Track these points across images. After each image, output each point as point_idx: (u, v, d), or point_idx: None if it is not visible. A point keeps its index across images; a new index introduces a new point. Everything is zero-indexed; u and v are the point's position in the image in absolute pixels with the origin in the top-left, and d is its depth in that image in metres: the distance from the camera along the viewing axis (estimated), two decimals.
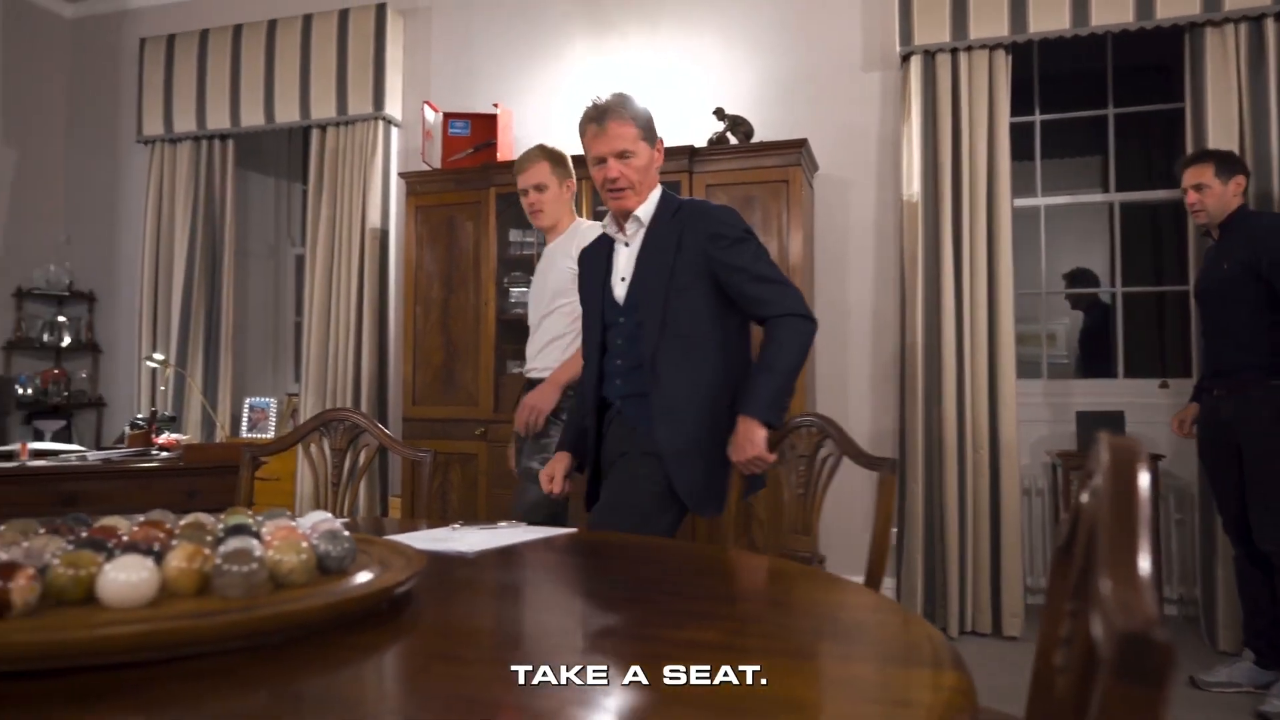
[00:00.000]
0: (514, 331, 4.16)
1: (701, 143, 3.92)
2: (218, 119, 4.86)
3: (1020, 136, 4.11)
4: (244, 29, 4.83)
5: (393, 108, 4.63)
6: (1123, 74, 4.29)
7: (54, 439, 4.78)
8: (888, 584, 3.86)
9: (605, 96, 2.05)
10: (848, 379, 4.00)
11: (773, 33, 4.14)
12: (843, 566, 3.75)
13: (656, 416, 1.96)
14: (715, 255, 1.98)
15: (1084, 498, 0.64)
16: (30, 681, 0.67)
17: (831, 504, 2.35)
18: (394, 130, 4.70)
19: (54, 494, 3.03)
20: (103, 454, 3.29)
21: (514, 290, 4.16)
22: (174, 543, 0.91)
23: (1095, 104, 4.31)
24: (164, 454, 3.32)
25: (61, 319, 5.18)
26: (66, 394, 5.10)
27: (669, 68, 4.24)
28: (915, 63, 3.76)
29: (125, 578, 0.79)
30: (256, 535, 0.99)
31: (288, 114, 4.74)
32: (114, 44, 5.35)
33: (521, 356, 4.20)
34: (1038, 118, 4.27)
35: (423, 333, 4.19)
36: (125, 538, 0.94)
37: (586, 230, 2.75)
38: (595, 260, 2.19)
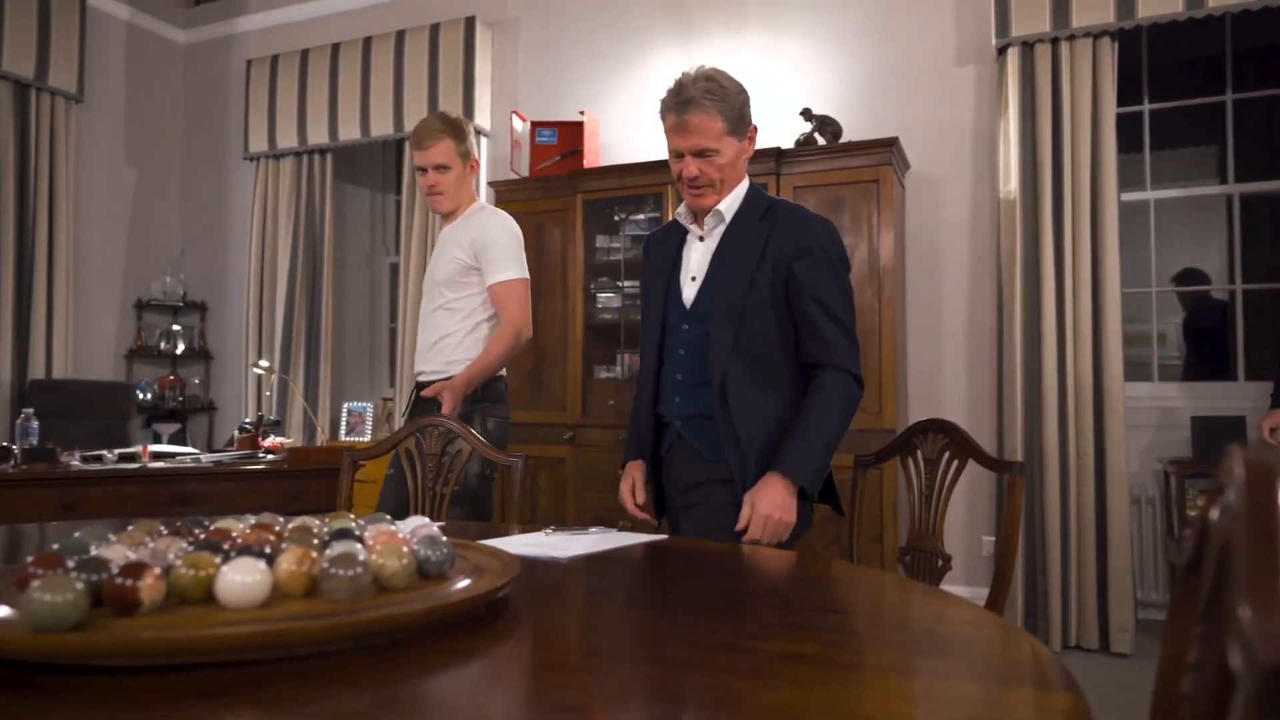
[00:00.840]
0: (602, 337, 4.19)
1: (788, 144, 3.88)
2: (317, 134, 5.07)
3: (1128, 128, 3.91)
4: (341, 47, 5.02)
5: (481, 118, 4.74)
6: (1243, 57, 4.04)
7: (170, 441, 5.06)
8: (983, 593, 3.72)
9: (693, 74, 1.74)
10: (941, 381, 3.88)
11: (861, 30, 4.07)
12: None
13: (724, 445, 1.73)
14: (796, 270, 1.72)
15: (1213, 514, 0.60)
16: (156, 675, 0.71)
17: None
18: (483, 140, 4.80)
19: (170, 493, 3.22)
20: (214, 456, 3.47)
21: (601, 296, 4.20)
22: (283, 545, 0.95)
23: (1212, 90, 4.06)
24: (269, 456, 3.48)
25: (176, 328, 5.49)
26: (181, 399, 5.39)
27: (754, 70, 4.21)
28: (1012, 55, 3.63)
29: (241, 579, 0.82)
30: (360, 539, 1.02)
31: (382, 127, 4.90)
32: (222, 67, 5.64)
33: (609, 360, 4.24)
34: (1146, 107, 4.06)
35: None
36: (239, 539, 0.99)
37: (485, 216, 2.52)
38: (662, 251, 1.91)
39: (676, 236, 1.90)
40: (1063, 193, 3.54)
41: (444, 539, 1.00)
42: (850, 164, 3.60)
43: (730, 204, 1.81)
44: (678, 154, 1.77)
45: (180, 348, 5.46)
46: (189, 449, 3.74)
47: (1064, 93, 3.54)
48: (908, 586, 1.18)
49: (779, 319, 1.74)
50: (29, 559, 0.87)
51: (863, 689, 0.73)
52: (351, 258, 5.62)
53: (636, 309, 4.18)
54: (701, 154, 1.74)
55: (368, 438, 4.99)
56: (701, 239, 1.84)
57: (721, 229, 1.82)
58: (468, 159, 2.53)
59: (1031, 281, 3.58)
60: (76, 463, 3.21)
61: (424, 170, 2.50)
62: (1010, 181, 3.62)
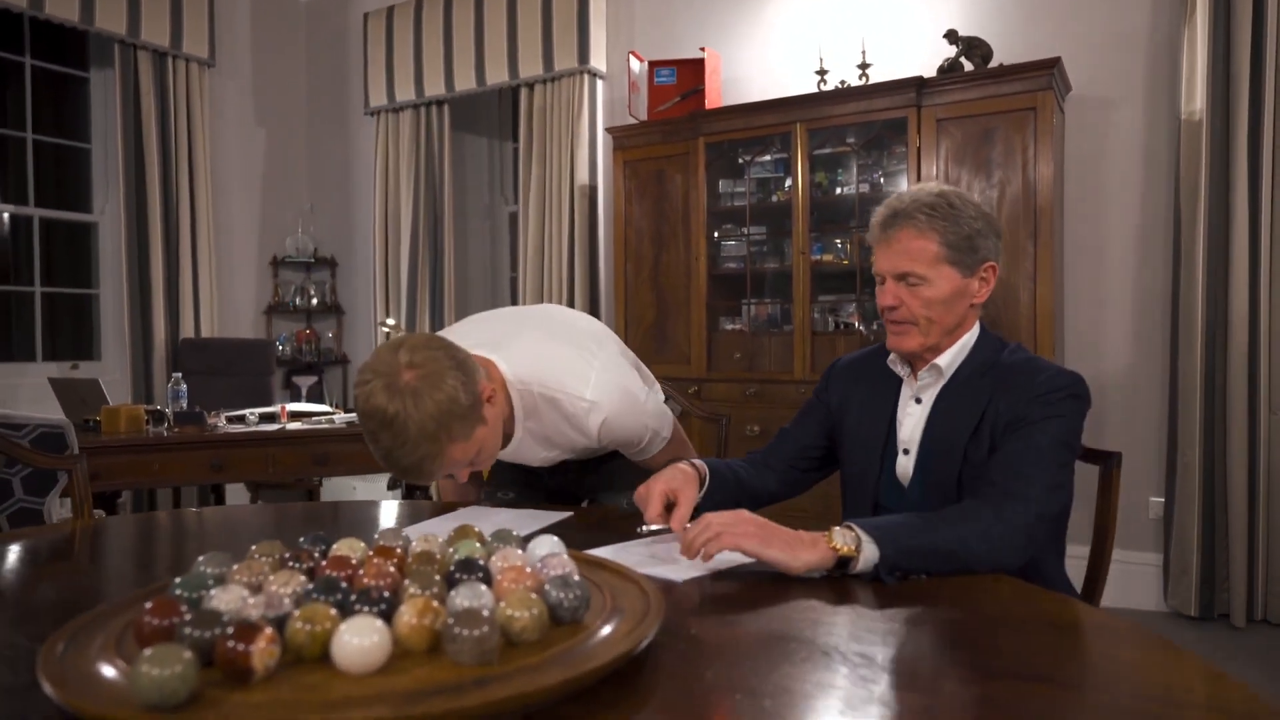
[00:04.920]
0: (727, 286, 4.02)
1: (930, 73, 3.52)
2: (434, 86, 5.02)
3: None
4: None
5: (597, 60, 4.55)
6: None
7: (308, 395, 5.25)
8: (1152, 558, 3.42)
9: (926, 191, 1.44)
10: (1104, 329, 3.51)
11: None
12: None
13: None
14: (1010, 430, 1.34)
15: None
16: None
17: None
18: (599, 83, 4.63)
19: (308, 454, 3.31)
20: (348, 417, 3.54)
21: (725, 244, 4.01)
22: (406, 582, 0.87)
23: None
24: None
25: (309, 284, 5.65)
26: (316, 353, 5.58)
27: None
28: None
29: (358, 642, 0.74)
30: (485, 572, 0.93)
31: (497, 75, 4.80)
32: (341, 23, 5.65)
33: (734, 312, 4.05)
34: None
35: (633, 289, 4.14)
36: (360, 571, 0.91)
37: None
38: (868, 396, 1.57)
39: (891, 386, 1.53)
40: (1262, 110, 3.07)
41: (577, 577, 0.89)
42: (1003, 90, 3.23)
43: (952, 358, 1.45)
44: (879, 278, 1.47)
45: (314, 302, 5.63)
46: (324, 407, 3.84)
47: None
48: (1140, 633, 0.99)
49: None
50: (147, 606, 0.81)
51: None
52: (472, 208, 5.61)
53: (764, 256, 3.96)
54: (904, 278, 1.43)
55: None
56: (918, 401, 1.48)
57: (937, 389, 1.46)
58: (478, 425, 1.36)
59: (1218, 214, 3.15)
60: (222, 424, 3.34)
61: None
62: (1195, 100, 3.17)
